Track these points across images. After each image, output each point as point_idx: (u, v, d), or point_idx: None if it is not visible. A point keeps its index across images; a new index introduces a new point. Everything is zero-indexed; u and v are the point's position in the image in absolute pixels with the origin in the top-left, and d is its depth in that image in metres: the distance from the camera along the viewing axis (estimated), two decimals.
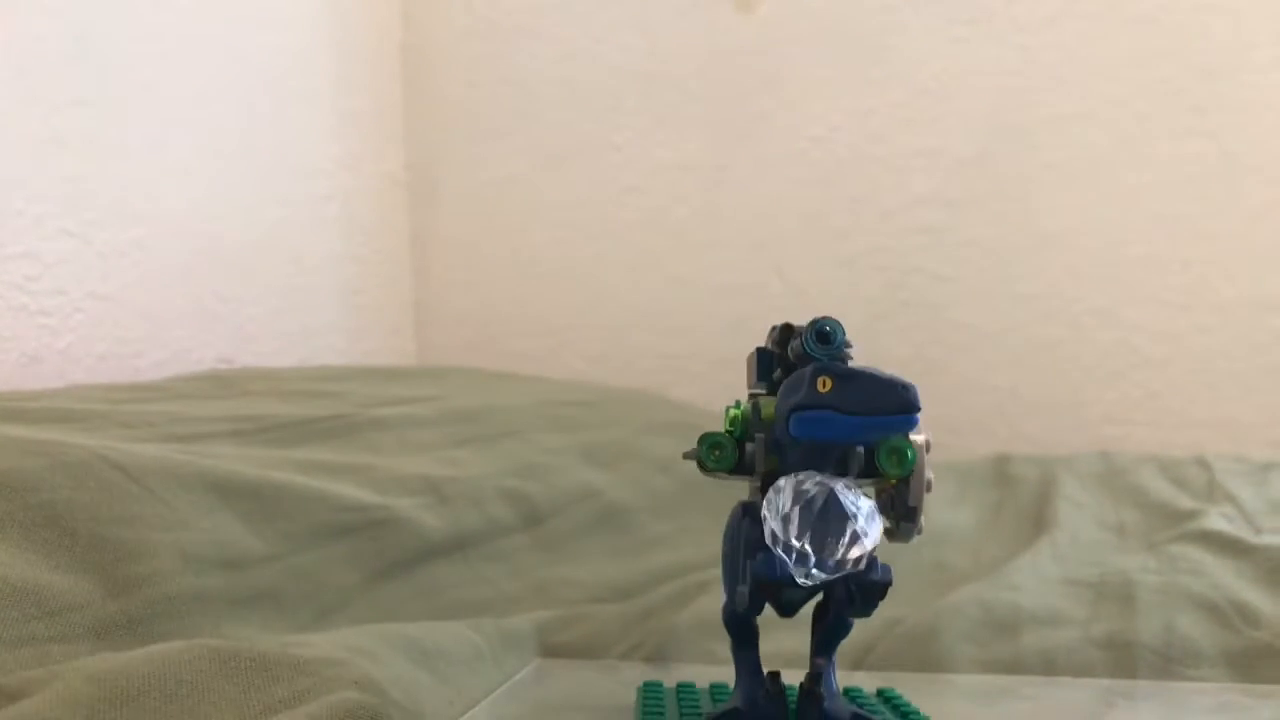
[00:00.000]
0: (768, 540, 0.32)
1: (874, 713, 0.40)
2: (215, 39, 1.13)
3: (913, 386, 0.33)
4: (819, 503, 0.32)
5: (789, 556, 0.32)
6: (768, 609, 0.38)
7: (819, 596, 0.37)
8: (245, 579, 0.51)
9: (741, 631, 0.38)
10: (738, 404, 0.38)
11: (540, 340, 1.42)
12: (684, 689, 0.45)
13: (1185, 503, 0.85)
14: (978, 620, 0.57)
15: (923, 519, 0.37)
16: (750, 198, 1.36)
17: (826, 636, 0.38)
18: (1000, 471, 1.02)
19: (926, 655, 0.53)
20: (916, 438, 0.35)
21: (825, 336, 0.35)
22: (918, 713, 0.41)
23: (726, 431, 0.37)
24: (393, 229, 1.44)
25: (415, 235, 1.47)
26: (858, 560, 0.32)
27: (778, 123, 1.35)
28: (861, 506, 0.33)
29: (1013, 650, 0.54)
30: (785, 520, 0.32)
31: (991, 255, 1.27)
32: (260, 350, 1.18)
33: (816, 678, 0.37)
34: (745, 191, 1.36)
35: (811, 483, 0.33)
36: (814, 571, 0.32)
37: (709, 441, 0.36)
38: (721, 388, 1.34)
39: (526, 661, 0.52)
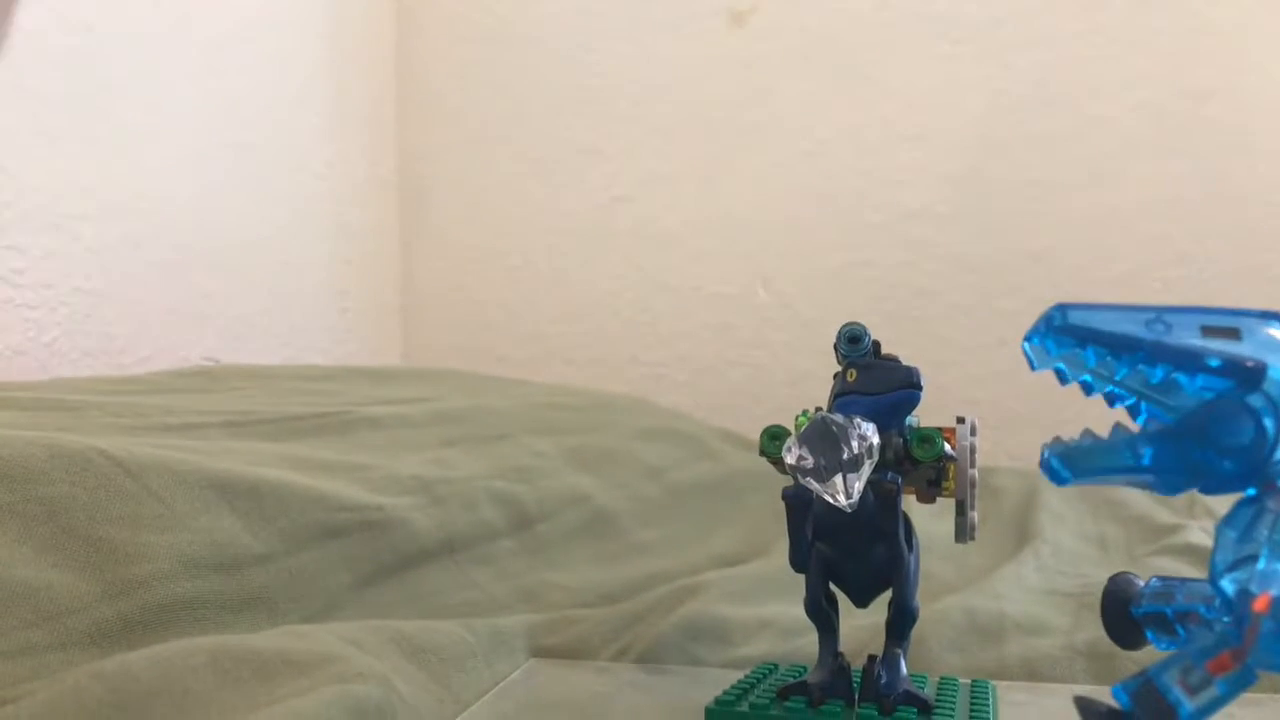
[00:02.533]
0: (787, 461, 0.38)
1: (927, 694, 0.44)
2: (209, 38, 1.13)
3: (915, 369, 0.41)
4: (824, 429, 0.38)
5: (799, 469, 0.38)
6: (845, 601, 0.45)
7: (889, 592, 0.44)
8: (239, 582, 0.50)
9: (820, 621, 0.45)
10: (805, 413, 0.44)
11: (526, 345, 1.43)
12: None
13: (1166, 517, 0.87)
14: (963, 628, 0.58)
15: (974, 515, 0.43)
16: (739, 208, 1.37)
17: (893, 625, 0.44)
18: (983, 484, 1.03)
19: (913, 661, 0.54)
20: (964, 441, 0.43)
21: (855, 338, 0.43)
22: (953, 698, 0.45)
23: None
24: (382, 232, 1.44)
25: (404, 238, 1.47)
26: (849, 470, 0.37)
27: (767, 135, 1.36)
28: (862, 432, 0.38)
29: (997, 657, 0.55)
30: (798, 439, 0.38)
31: (976, 270, 1.28)
32: (246, 349, 1.17)
33: (879, 659, 0.43)
34: (734, 202, 1.37)
35: (824, 416, 0.39)
36: (813, 482, 0.38)
37: (770, 433, 0.42)
38: (706, 394, 1.35)
39: (518, 662, 0.52)
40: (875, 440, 0.38)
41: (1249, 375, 0.29)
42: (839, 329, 0.43)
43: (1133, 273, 1.24)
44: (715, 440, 1.07)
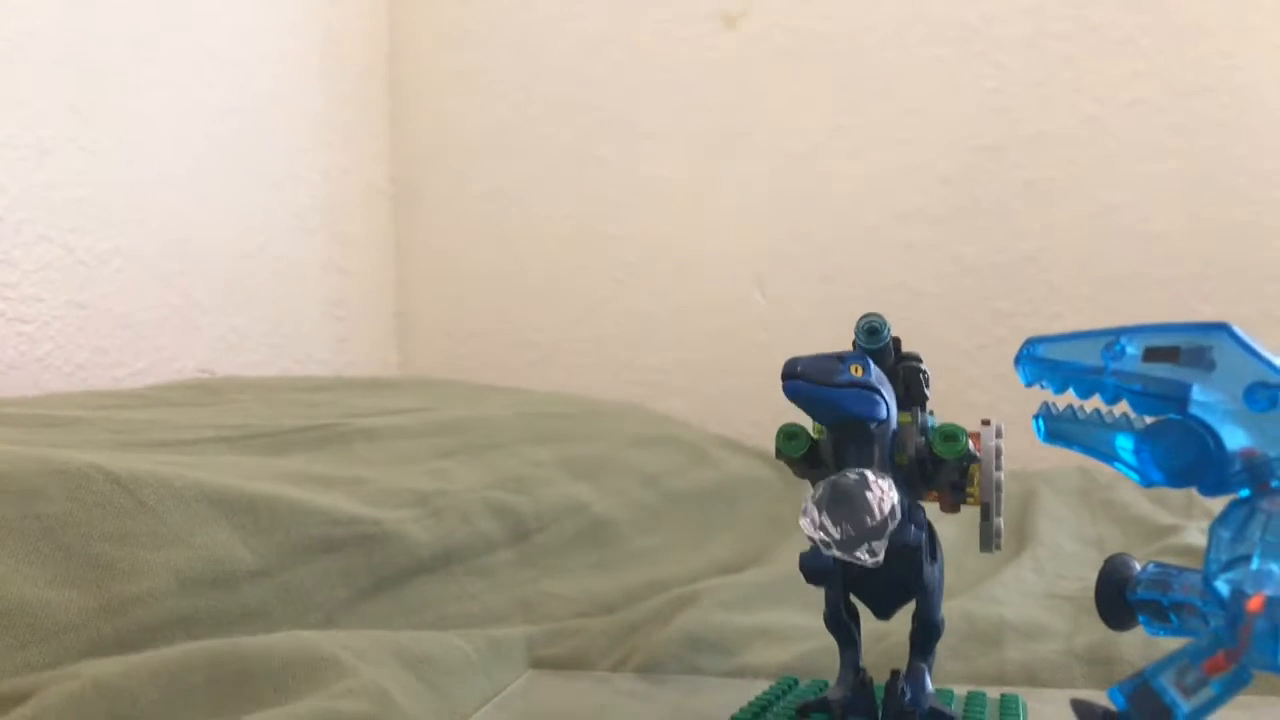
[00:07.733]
0: (806, 532, 0.36)
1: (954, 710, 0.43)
2: (201, 49, 1.13)
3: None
4: (839, 494, 0.35)
5: (818, 539, 0.35)
6: (868, 613, 0.43)
7: (913, 603, 0.42)
8: (235, 597, 0.50)
9: (840, 634, 0.43)
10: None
11: (522, 353, 1.42)
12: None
13: (1164, 518, 0.87)
14: (962, 633, 0.58)
15: (999, 522, 0.41)
16: (733, 213, 1.37)
17: (916, 639, 0.43)
18: None
19: None
20: (989, 443, 0.41)
21: (873, 330, 0.41)
22: (980, 714, 0.44)
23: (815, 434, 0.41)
24: (377, 240, 1.44)
25: (399, 247, 1.47)
26: (873, 537, 0.35)
27: (761, 138, 1.36)
28: (882, 493, 0.36)
29: (996, 663, 0.55)
30: (815, 506, 0.36)
31: (971, 272, 1.28)
32: (241, 360, 1.17)
33: (901, 674, 0.42)
34: (728, 206, 1.37)
35: (835, 480, 0.36)
36: (836, 552, 0.35)
37: (786, 431, 0.40)
38: (703, 400, 1.35)
39: (517, 673, 0.52)
40: (895, 497, 0.36)
41: (1177, 401, 0.32)
42: (857, 321, 0.41)
43: (1129, 272, 1.24)
44: (712, 447, 1.06)
